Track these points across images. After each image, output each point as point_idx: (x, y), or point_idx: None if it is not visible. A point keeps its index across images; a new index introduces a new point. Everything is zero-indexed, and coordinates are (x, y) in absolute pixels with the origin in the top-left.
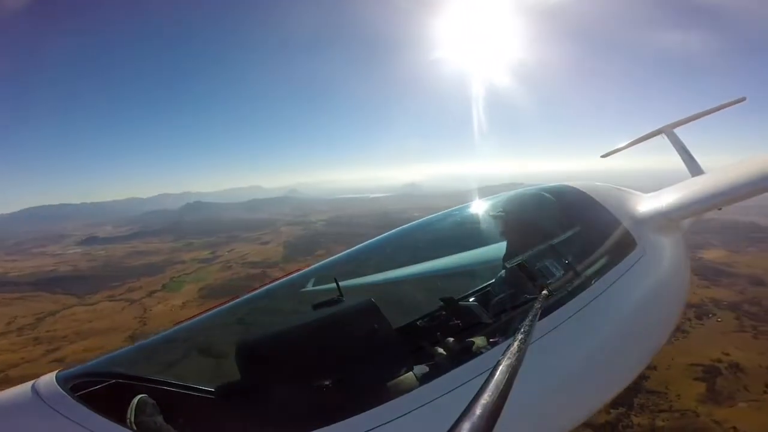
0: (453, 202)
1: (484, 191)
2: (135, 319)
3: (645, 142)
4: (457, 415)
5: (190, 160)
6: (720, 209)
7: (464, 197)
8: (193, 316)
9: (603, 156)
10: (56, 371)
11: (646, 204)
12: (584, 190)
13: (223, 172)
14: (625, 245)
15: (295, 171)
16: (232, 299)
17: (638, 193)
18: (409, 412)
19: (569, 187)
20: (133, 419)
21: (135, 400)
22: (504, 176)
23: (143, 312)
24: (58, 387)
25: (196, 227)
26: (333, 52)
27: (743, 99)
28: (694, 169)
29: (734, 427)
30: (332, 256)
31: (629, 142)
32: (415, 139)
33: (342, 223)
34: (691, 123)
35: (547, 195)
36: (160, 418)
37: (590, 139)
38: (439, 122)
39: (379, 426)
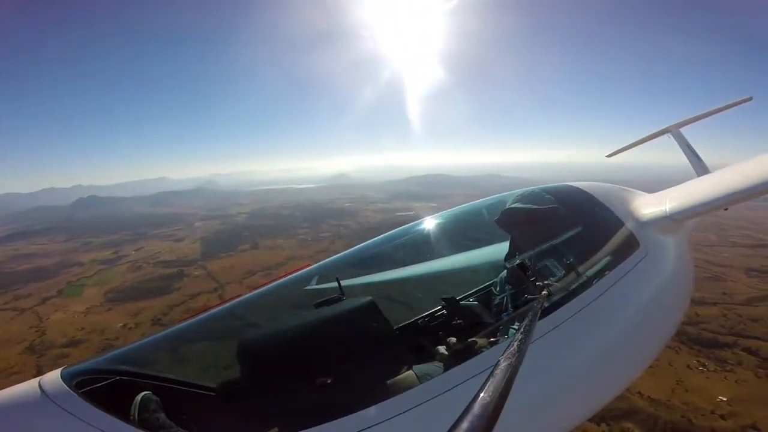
0: (382, 192)
1: (412, 181)
2: (31, 329)
3: (639, 141)
4: (458, 415)
5: (79, 149)
6: (726, 209)
7: (394, 186)
8: (196, 314)
9: (608, 156)
10: (61, 368)
11: (650, 204)
12: (587, 190)
13: (121, 162)
14: (628, 245)
15: (209, 161)
16: (235, 297)
17: (642, 192)
18: (409, 410)
19: (572, 186)
20: (137, 416)
21: (139, 397)
22: (433, 167)
23: (39, 321)
24: (64, 384)
25: (93, 225)
26: (253, 35)
27: (750, 99)
28: (700, 168)
29: None
30: (328, 257)
31: (634, 141)
32: (344, 129)
33: (267, 215)
34: (696, 123)
35: (549, 195)
36: (163, 415)
37: (522, 131)
38: (369, 113)
39: (379, 424)
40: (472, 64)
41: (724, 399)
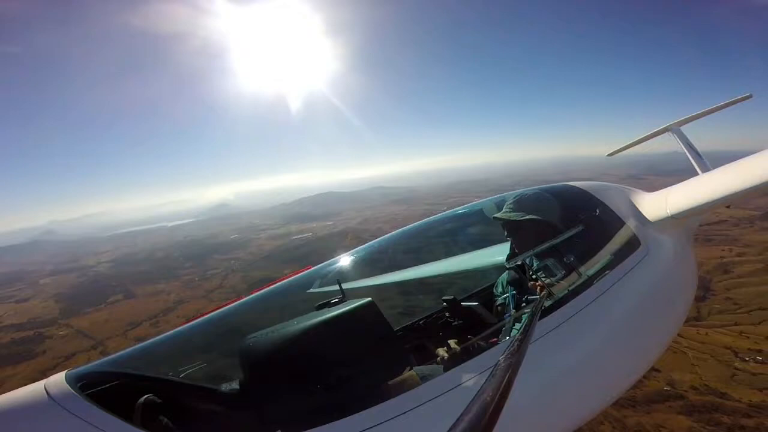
0: (272, 217)
1: (304, 203)
2: None
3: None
4: (458, 415)
5: None
6: (728, 207)
7: (284, 210)
8: (199, 316)
9: (609, 155)
10: (65, 371)
11: (651, 203)
12: (587, 190)
13: None
14: (629, 244)
15: (41, 208)
16: (236, 300)
17: (643, 192)
18: (409, 411)
19: (572, 186)
20: (140, 418)
21: (142, 400)
22: (322, 186)
23: None
24: (68, 387)
25: None
26: (82, 49)
27: (749, 96)
28: (702, 165)
29: None
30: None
31: (635, 140)
32: (218, 156)
33: (137, 260)
34: (694, 121)
35: (549, 195)
36: (166, 418)
37: (399, 144)
38: (246, 136)
39: (380, 424)
40: (349, 83)
41: None
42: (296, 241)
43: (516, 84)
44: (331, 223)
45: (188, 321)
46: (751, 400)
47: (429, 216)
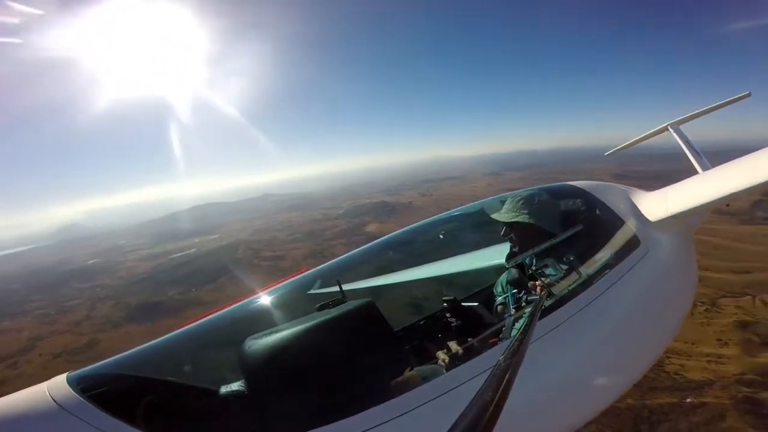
0: (139, 236)
1: (177, 217)
2: None
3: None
4: (458, 415)
5: None
6: (728, 205)
7: (153, 227)
8: (200, 318)
9: (608, 154)
10: (66, 373)
11: (651, 202)
12: (587, 189)
13: None
14: (629, 244)
15: None
16: (237, 301)
17: (642, 191)
18: (409, 412)
19: (571, 186)
20: (142, 420)
21: (144, 401)
22: (199, 197)
23: None
24: (70, 389)
25: None
26: None
27: (748, 95)
28: (702, 164)
29: None
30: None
31: (635, 139)
32: (58, 172)
33: None
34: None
35: (548, 195)
36: (168, 419)
37: (287, 149)
38: (94, 147)
39: (380, 425)
40: (225, 82)
41: None
42: (178, 259)
43: (399, 87)
44: (216, 236)
45: (189, 323)
46: None
47: (321, 218)
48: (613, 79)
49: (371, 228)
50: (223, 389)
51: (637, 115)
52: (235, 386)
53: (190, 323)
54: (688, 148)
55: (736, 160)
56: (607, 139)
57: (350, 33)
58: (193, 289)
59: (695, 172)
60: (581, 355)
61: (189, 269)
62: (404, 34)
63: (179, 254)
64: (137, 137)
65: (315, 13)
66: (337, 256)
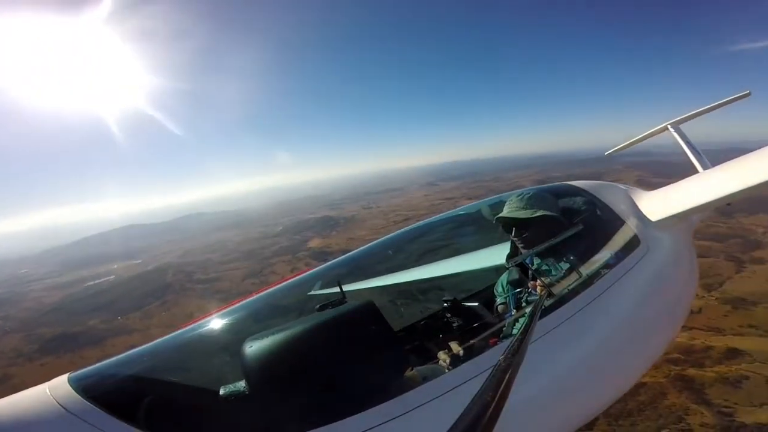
0: (42, 265)
1: (92, 242)
2: None
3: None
4: (457, 415)
5: None
6: (729, 204)
7: (59, 255)
8: (200, 318)
9: (608, 154)
10: (68, 373)
11: (651, 201)
12: (587, 188)
13: None
14: (629, 243)
15: None
16: (238, 301)
17: (643, 191)
18: (409, 411)
19: (571, 185)
20: (144, 420)
21: (146, 401)
22: (118, 220)
23: None
24: (71, 389)
25: None
26: None
27: (748, 94)
28: (702, 163)
29: None
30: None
31: (634, 139)
32: None
33: None
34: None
35: (549, 194)
36: (168, 419)
37: (214, 165)
38: None
39: (380, 425)
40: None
41: None
42: (94, 287)
43: (335, 101)
44: (139, 261)
45: (189, 323)
46: None
47: (259, 236)
48: (530, 90)
49: (314, 244)
50: (225, 389)
51: (557, 124)
52: (236, 386)
53: (191, 324)
54: (688, 148)
55: (737, 158)
56: (527, 149)
57: (283, 44)
58: (119, 317)
59: (686, 172)
60: (581, 355)
61: (110, 297)
62: (339, 47)
63: (95, 281)
64: (38, 153)
65: (239, 21)
66: (280, 275)
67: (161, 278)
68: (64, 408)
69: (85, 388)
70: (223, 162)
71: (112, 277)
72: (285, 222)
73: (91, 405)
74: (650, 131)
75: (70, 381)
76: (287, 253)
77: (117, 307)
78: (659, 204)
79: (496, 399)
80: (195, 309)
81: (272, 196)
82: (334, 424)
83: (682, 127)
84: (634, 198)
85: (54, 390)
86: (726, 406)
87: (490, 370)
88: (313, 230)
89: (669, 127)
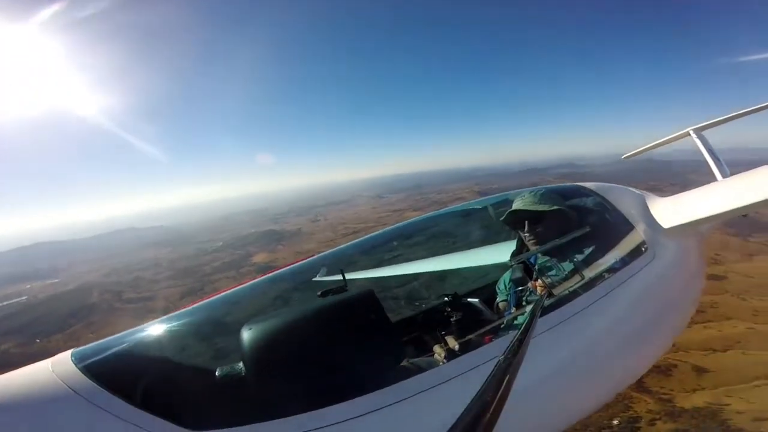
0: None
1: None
2: None
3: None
4: (455, 412)
5: None
6: (745, 216)
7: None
8: (202, 299)
9: (626, 157)
10: (71, 350)
11: (663, 207)
12: (597, 191)
13: None
14: (635, 249)
15: None
16: (238, 285)
17: (655, 196)
18: (400, 401)
19: (582, 187)
20: (144, 398)
21: (146, 380)
22: (31, 236)
23: None
24: (74, 366)
25: None
26: None
27: None
28: (722, 171)
29: None
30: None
31: (654, 143)
32: None
33: None
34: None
35: (557, 195)
36: (168, 399)
37: (138, 180)
38: None
39: (367, 413)
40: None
41: None
42: (4, 309)
43: (280, 111)
44: (56, 280)
45: (191, 304)
46: None
47: (197, 253)
48: (472, 107)
49: (259, 258)
50: (223, 371)
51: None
52: (235, 368)
53: (193, 304)
54: (709, 155)
55: (758, 168)
56: (465, 162)
57: (229, 51)
58: (38, 340)
59: (688, 181)
60: (581, 356)
61: (25, 319)
62: (286, 56)
63: (5, 303)
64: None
65: (188, 27)
66: (223, 291)
67: (84, 298)
68: (65, 384)
69: (88, 365)
70: (154, 174)
71: (25, 298)
72: (225, 237)
73: (93, 382)
74: (671, 136)
75: (74, 357)
76: (230, 268)
77: (34, 330)
78: (672, 210)
79: (496, 399)
80: (127, 327)
81: (209, 211)
82: (329, 407)
83: (705, 133)
84: (644, 203)
85: (56, 366)
86: (664, 393)
87: (484, 367)
88: (256, 245)
89: (691, 132)
